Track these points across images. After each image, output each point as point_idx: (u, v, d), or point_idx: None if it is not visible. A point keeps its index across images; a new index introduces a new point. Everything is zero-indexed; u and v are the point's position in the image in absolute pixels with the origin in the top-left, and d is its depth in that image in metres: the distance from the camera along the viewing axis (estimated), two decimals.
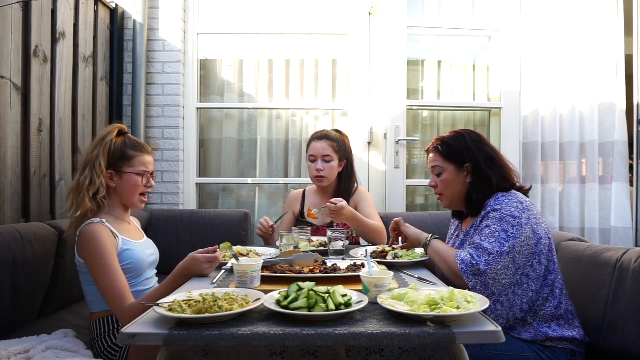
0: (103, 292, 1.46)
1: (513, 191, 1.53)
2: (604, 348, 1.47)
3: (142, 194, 1.66)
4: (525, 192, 1.58)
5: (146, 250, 1.67)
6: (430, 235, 1.62)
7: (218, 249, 1.51)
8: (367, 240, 2.14)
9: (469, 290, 1.35)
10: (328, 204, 1.91)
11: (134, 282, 1.57)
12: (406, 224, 1.72)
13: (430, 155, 1.66)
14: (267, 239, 2.11)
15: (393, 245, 1.79)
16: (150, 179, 1.68)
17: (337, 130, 2.32)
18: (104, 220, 1.54)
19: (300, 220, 2.29)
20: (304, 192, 2.39)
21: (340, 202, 1.90)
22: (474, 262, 1.38)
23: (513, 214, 1.43)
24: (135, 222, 1.80)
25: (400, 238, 1.79)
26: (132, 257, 1.56)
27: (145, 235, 1.78)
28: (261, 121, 3.24)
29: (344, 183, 2.24)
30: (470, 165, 1.56)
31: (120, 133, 1.67)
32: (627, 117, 2.93)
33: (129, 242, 1.59)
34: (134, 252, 1.57)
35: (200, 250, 1.49)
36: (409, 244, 1.73)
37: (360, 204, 2.21)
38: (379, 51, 3.02)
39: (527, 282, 1.43)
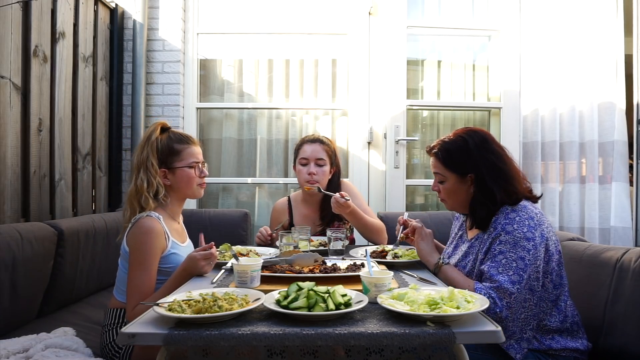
0: (129, 285, 1.47)
1: (522, 203, 1.43)
2: (604, 348, 1.47)
3: (199, 183, 1.68)
4: (534, 199, 1.49)
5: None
6: (440, 260, 1.51)
7: (214, 246, 1.51)
8: (367, 238, 2.12)
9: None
10: (337, 195, 1.91)
11: None
12: (422, 238, 1.61)
13: (432, 160, 1.57)
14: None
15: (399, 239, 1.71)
16: (203, 168, 1.69)
17: (325, 137, 2.24)
18: (161, 217, 1.55)
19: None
20: (289, 201, 2.29)
21: (349, 200, 1.92)
22: (497, 310, 1.29)
23: (526, 236, 1.35)
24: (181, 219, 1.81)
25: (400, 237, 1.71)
26: (176, 262, 1.55)
27: (187, 237, 1.78)
28: (261, 121, 3.24)
29: (332, 192, 2.05)
30: (474, 176, 1.47)
31: (164, 129, 1.67)
32: (627, 117, 2.92)
33: (177, 245, 1.60)
34: (179, 258, 1.57)
35: (196, 249, 1.50)
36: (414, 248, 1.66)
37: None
38: (379, 51, 3.02)
39: (538, 303, 1.38)
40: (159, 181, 1.59)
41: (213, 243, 1.52)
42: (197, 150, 1.69)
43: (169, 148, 1.63)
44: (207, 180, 1.72)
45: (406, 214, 1.78)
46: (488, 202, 1.44)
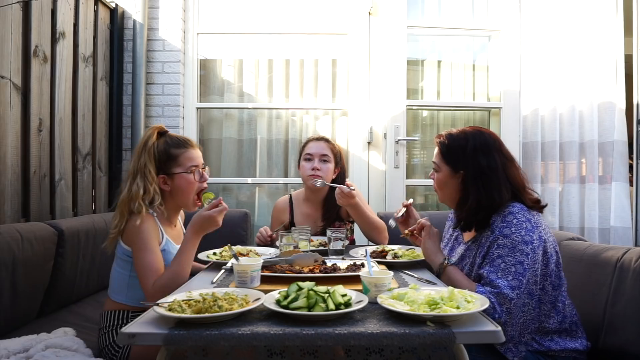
0: (140, 270, 1.46)
1: (519, 205, 1.40)
2: (604, 348, 1.47)
3: (198, 196, 1.64)
4: (538, 210, 1.45)
5: None
6: (445, 261, 1.49)
7: (222, 200, 1.53)
8: (368, 236, 2.12)
9: None
10: (343, 186, 1.90)
11: None
12: (430, 237, 1.57)
13: (436, 148, 1.57)
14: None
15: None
16: (203, 172, 1.66)
17: (332, 140, 2.25)
18: (155, 214, 1.55)
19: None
20: (290, 199, 2.28)
21: (354, 190, 1.91)
22: (496, 315, 1.27)
23: (524, 240, 1.32)
24: (180, 222, 1.79)
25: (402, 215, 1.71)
26: (168, 261, 1.54)
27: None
28: (261, 121, 3.24)
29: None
30: (463, 174, 1.47)
31: (161, 134, 1.64)
32: (627, 117, 2.92)
33: (170, 244, 1.60)
34: (171, 256, 1.55)
35: (205, 208, 1.52)
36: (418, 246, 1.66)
37: None
38: (379, 51, 3.02)
39: (538, 306, 1.38)
40: (156, 188, 1.55)
41: (221, 198, 1.54)
42: (196, 153, 1.65)
43: (167, 154, 1.60)
44: (207, 180, 1.69)
45: (411, 200, 1.77)
46: (465, 205, 1.46)
